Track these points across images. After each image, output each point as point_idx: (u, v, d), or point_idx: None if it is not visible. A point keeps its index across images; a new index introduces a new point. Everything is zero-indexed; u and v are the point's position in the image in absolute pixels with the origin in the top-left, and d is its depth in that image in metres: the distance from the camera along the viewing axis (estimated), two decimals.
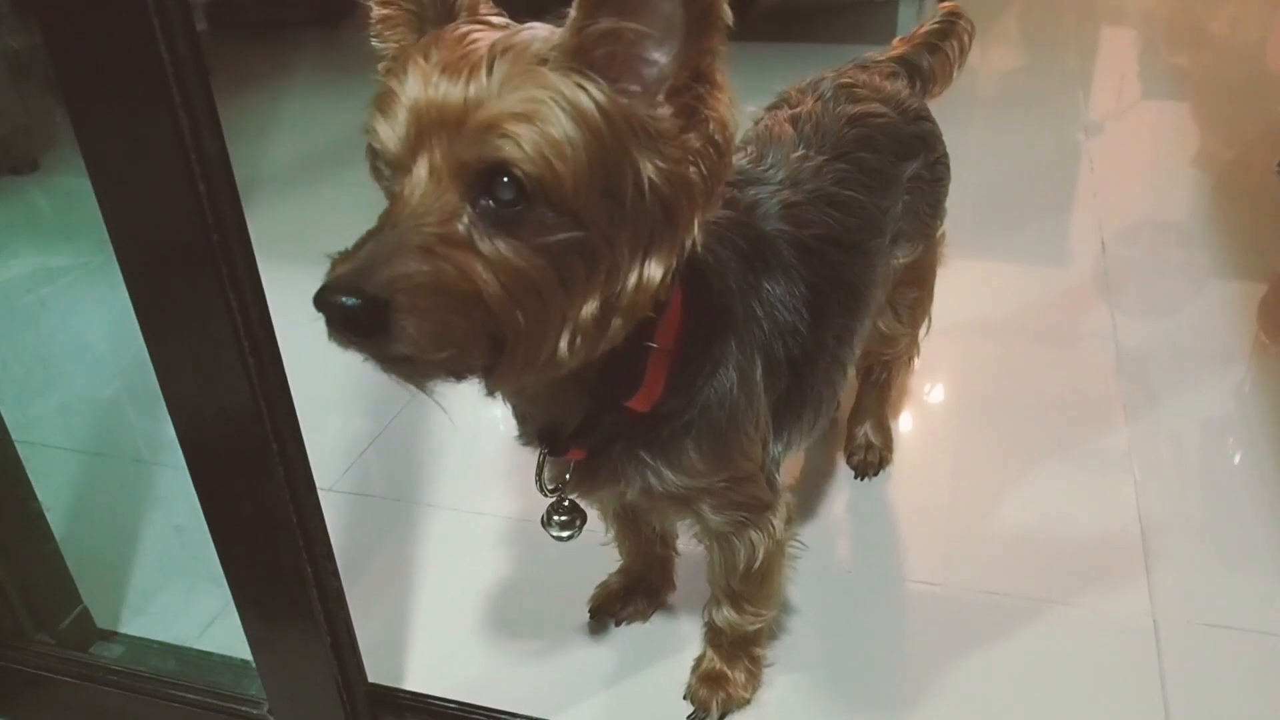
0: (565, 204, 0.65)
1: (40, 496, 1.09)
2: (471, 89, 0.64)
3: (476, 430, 1.51)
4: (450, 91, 0.64)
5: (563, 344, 0.69)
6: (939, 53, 1.24)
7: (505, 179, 0.64)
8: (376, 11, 0.74)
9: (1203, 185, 2.23)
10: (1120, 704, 1.05)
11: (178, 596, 1.23)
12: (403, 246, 0.63)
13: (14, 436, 1.04)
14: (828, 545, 1.28)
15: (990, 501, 1.33)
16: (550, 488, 0.89)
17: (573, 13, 0.64)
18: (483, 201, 0.65)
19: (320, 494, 0.87)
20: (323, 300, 0.62)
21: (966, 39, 1.26)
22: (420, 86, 0.65)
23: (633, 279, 0.69)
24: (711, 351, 0.85)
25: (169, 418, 0.81)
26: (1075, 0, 3.65)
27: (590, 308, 0.69)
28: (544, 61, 0.64)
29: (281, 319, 0.78)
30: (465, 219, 0.65)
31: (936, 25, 1.25)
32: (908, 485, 1.38)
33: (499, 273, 0.65)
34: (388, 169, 0.69)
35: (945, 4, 1.27)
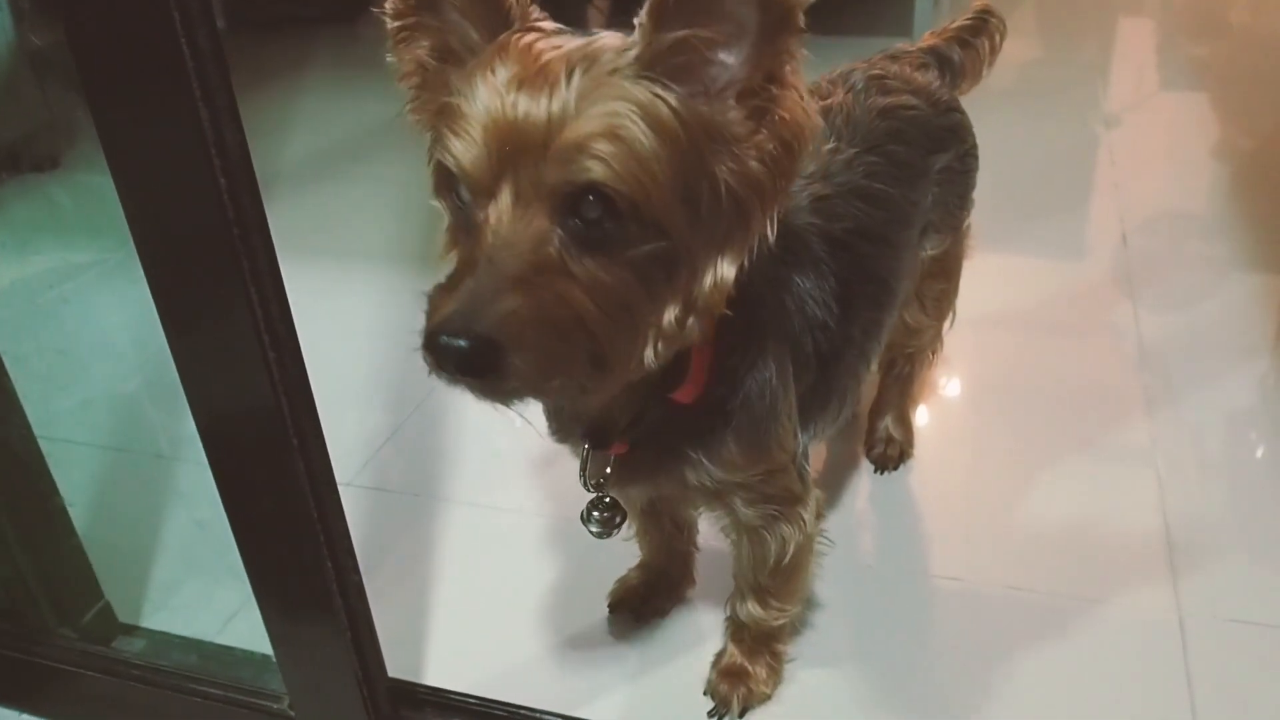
0: (650, 216, 0.65)
1: (63, 492, 1.09)
2: (554, 106, 0.63)
3: (493, 425, 1.50)
4: (531, 110, 0.63)
5: (649, 351, 0.71)
6: (970, 48, 1.23)
7: (592, 198, 0.64)
8: (392, 24, 0.72)
9: (1223, 176, 2.21)
10: (1146, 700, 1.04)
11: (198, 591, 1.23)
12: (503, 280, 0.63)
13: (37, 432, 1.05)
14: (850, 540, 1.28)
15: (1012, 496, 1.33)
16: (594, 483, 0.88)
17: (644, 22, 0.64)
18: (570, 222, 0.65)
19: (339, 489, 0.87)
20: (434, 344, 0.62)
21: (998, 38, 1.25)
22: (497, 104, 0.64)
23: (709, 279, 0.70)
24: (750, 342, 0.85)
25: (189, 413, 0.81)
26: None
27: (672, 312, 0.70)
28: (619, 73, 0.64)
29: (297, 313, 0.77)
30: (556, 242, 0.65)
31: (969, 21, 1.24)
32: (928, 479, 1.37)
33: (593, 293, 0.65)
34: (467, 192, 0.68)
35: (978, 1, 1.26)
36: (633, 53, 0.65)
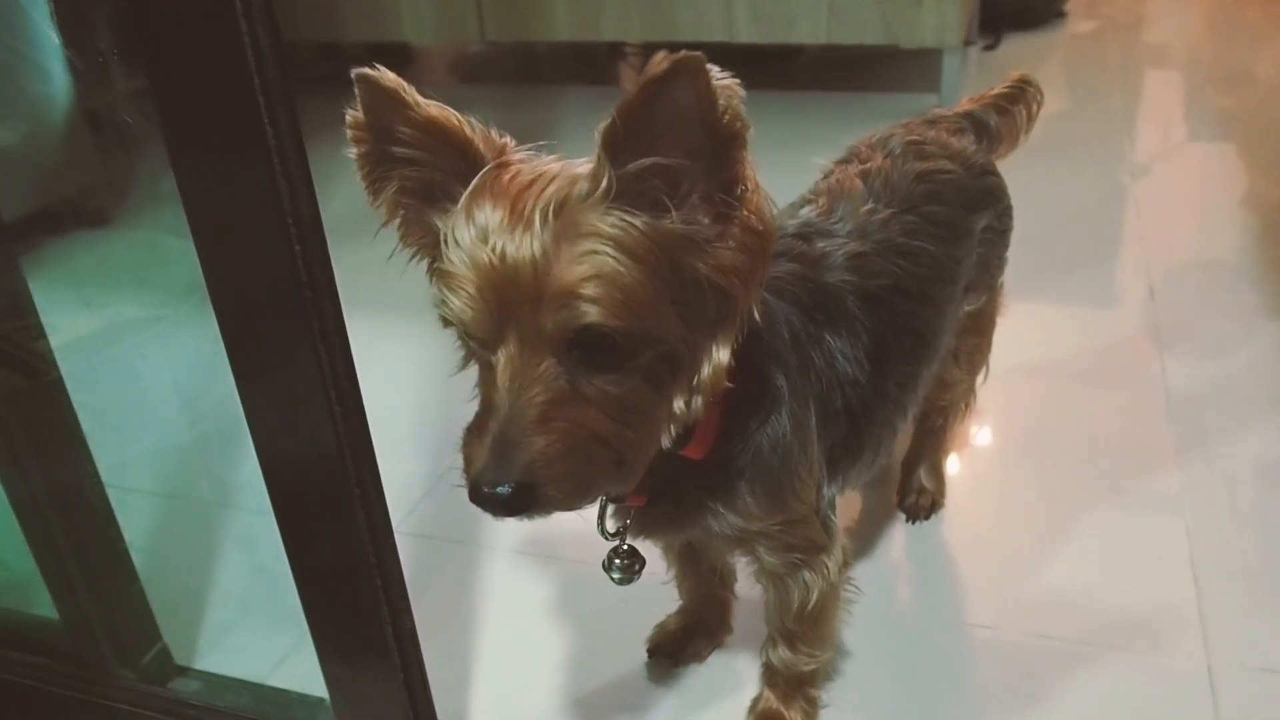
0: (645, 332, 0.71)
1: (126, 537, 1.14)
2: (535, 250, 0.68)
3: None
4: (516, 258, 0.68)
5: (664, 438, 0.77)
6: (1007, 115, 1.28)
7: (589, 334, 0.69)
8: (364, 178, 0.79)
9: (1251, 226, 2.22)
10: None
11: (251, 634, 1.27)
12: (525, 424, 0.70)
13: (105, 480, 1.10)
14: (882, 588, 1.30)
15: (1042, 545, 1.34)
16: (611, 532, 0.92)
17: (599, 152, 0.68)
18: (574, 353, 0.71)
19: None
20: (479, 495, 0.70)
21: (1035, 107, 1.30)
22: (483, 258, 0.69)
23: (707, 367, 0.76)
24: (765, 399, 0.88)
25: (243, 462, 0.86)
26: (1119, 44, 3.67)
27: (680, 400, 0.76)
28: (589, 208, 0.69)
29: None
30: (564, 376, 0.71)
31: (1006, 90, 1.29)
32: (960, 528, 1.39)
33: (607, 407, 0.72)
34: (475, 342, 0.74)
35: (1016, 72, 1.31)
36: (598, 185, 0.68)
